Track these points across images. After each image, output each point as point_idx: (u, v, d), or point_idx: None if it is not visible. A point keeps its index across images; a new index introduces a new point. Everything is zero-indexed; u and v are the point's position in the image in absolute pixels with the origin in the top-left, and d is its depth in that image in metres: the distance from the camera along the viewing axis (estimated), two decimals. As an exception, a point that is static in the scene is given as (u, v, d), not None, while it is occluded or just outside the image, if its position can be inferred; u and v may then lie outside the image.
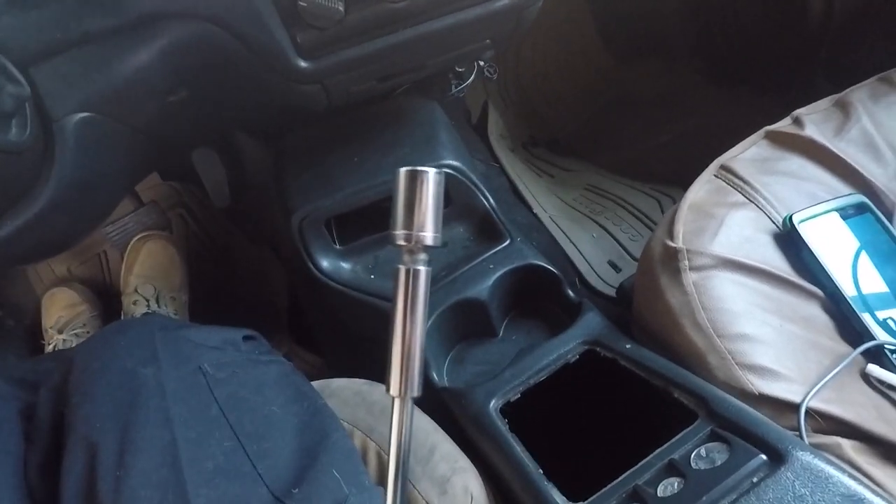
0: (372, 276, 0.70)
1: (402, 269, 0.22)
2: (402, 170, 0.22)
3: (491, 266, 0.66)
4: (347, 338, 0.74)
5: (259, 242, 1.04)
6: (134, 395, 0.38)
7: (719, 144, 0.65)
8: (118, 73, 0.48)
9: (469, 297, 0.63)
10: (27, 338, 1.05)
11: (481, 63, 0.81)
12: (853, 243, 0.56)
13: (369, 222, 0.70)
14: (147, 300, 0.88)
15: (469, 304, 0.63)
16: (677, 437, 0.39)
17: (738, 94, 1.06)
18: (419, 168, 0.22)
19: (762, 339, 0.47)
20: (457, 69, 0.79)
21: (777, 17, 0.98)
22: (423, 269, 0.22)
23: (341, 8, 0.47)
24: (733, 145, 0.64)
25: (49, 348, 0.96)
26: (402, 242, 0.21)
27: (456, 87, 0.82)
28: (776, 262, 0.53)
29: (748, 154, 0.62)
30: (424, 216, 0.21)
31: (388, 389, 0.22)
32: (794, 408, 0.43)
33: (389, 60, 0.56)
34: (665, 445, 0.39)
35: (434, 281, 0.67)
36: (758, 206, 0.57)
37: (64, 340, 0.95)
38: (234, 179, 0.97)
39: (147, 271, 0.91)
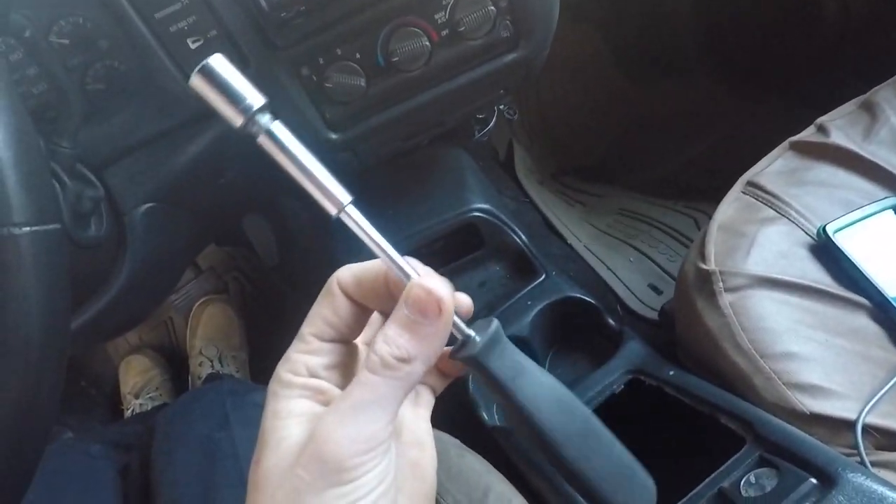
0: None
1: (262, 138, 0.22)
2: (193, 78, 0.21)
3: (529, 302, 0.68)
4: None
5: (309, 297, 1.09)
6: (211, 458, 0.42)
7: (750, 153, 0.65)
8: (175, 165, 0.54)
9: (510, 335, 0.65)
10: (108, 404, 1.13)
11: (501, 107, 0.85)
12: (899, 244, 0.54)
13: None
14: (211, 360, 0.94)
15: (512, 341, 0.65)
16: (726, 464, 0.39)
17: (763, 101, 1.05)
18: (199, 66, 0.21)
19: (809, 356, 0.47)
20: (477, 116, 0.83)
21: (791, 23, 0.97)
22: (274, 124, 0.21)
23: (363, 83, 0.51)
24: (765, 152, 0.64)
25: (128, 413, 1.04)
26: (241, 122, 0.21)
27: (479, 132, 0.86)
28: (815, 275, 0.53)
29: (774, 167, 0.62)
30: (239, 91, 0.21)
31: (333, 216, 0.23)
32: (849, 425, 0.42)
33: (411, 122, 0.60)
34: (714, 474, 0.39)
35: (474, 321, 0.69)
36: (790, 220, 0.57)
37: (140, 404, 1.02)
38: (281, 240, 1.03)
39: (209, 333, 0.98)
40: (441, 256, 0.76)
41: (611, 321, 0.65)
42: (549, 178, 1.13)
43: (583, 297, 0.66)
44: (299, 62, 0.49)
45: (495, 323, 0.24)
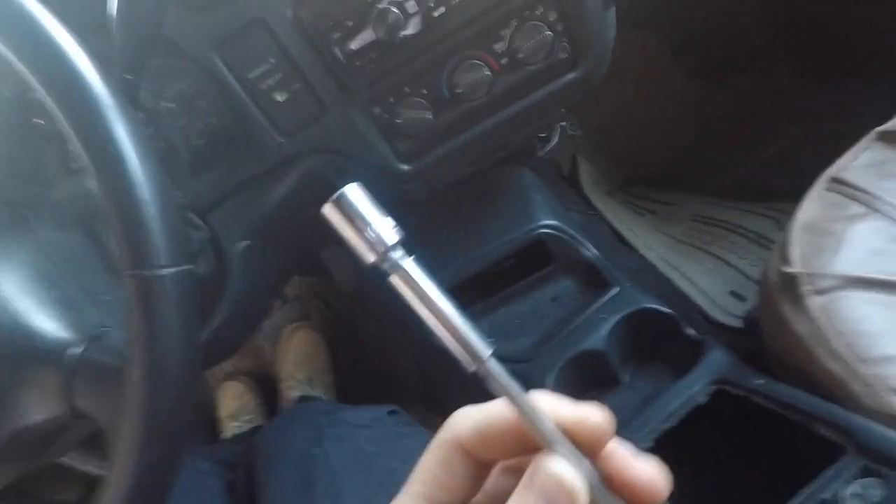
0: (491, 339, 0.74)
1: (395, 277, 0.20)
2: (326, 207, 0.20)
3: (603, 315, 0.67)
4: (472, 400, 0.78)
5: (385, 320, 1.14)
6: (309, 472, 0.46)
7: (833, 147, 0.62)
8: (267, 204, 0.60)
9: (586, 349, 0.65)
10: (207, 427, 1.23)
11: (562, 124, 0.86)
12: None
13: (479, 291, 0.76)
14: (301, 384, 1.00)
15: (587, 355, 0.65)
16: (826, 474, 0.38)
17: (844, 91, 0.99)
18: (334, 196, 0.20)
19: (913, 359, 0.44)
20: (539, 135, 0.85)
21: (871, 9, 0.92)
22: (406, 262, 0.20)
23: (430, 116, 0.55)
24: (849, 145, 0.61)
25: (226, 435, 1.12)
26: (374, 259, 0.20)
27: (542, 150, 0.88)
28: (917, 272, 0.49)
29: (861, 160, 0.59)
30: (371, 225, 0.20)
31: (466, 369, 0.20)
32: (967, 432, 0.39)
33: (477, 147, 0.62)
34: (813, 485, 0.37)
35: (549, 336, 0.70)
36: (883, 214, 0.54)
37: (237, 427, 1.10)
38: (358, 268, 1.09)
39: (299, 358, 1.05)
40: (511, 275, 0.77)
41: (690, 331, 0.63)
42: (617, 190, 1.11)
43: (659, 307, 0.65)
44: (372, 103, 0.53)
45: None
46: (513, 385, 0.20)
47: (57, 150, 0.55)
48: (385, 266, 0.20)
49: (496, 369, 0.20)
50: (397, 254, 0.20)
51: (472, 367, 0.21)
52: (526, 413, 0.19)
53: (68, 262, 0.36)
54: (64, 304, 0.33)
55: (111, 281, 0.39)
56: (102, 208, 0.25)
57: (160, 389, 0.25)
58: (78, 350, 0.31)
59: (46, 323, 0.32)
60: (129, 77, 0.38)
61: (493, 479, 0.21)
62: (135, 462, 0.25)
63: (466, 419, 0.21)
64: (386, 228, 0.20)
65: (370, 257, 0.20)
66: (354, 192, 0.20)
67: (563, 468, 0.18)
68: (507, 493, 0.19)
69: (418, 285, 0.20)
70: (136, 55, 0.37)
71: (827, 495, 0.36)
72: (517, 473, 0.20)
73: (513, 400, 0.20)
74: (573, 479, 0.18)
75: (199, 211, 0.57)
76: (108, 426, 0.29)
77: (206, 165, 0.57)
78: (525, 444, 0.20)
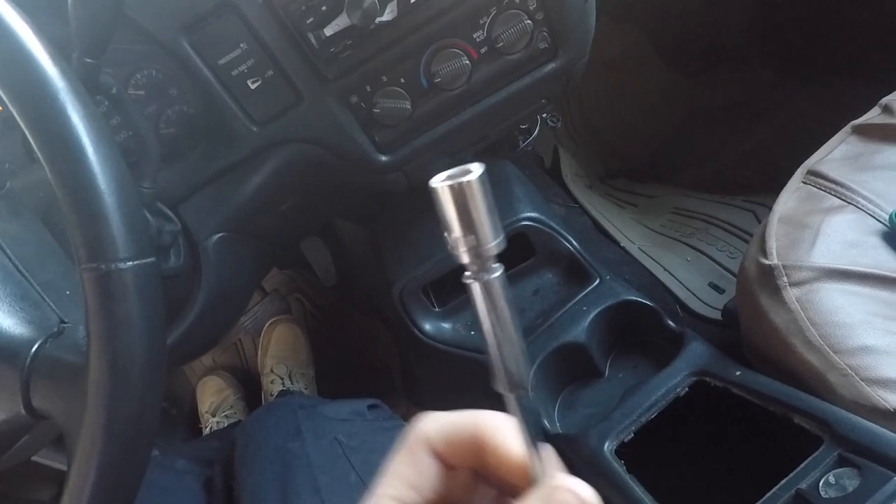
0: (472, 333, 0.74)
1: (476, 283, 0.19)
2: (439, 185, 0.18)
3: (584, 308, 0.67)
4: (456, 394, 0.77)
5: (367, 313, 1.13)
6: (286, 467, 0.45)
7: (810, 141, 0.63)
8: (241, 196, 0.58)
9: (567, 342, 0.65)
10: (187, 423, 1.21)
11: (543, 115, 0.85)
12: None
13: (460, 285, 0.75)
14: (282, 378, 0.99)
15: (568, 348, 0.65)
16: (802, 465, 0.38)
17: (821, 85, 1.00)
18: (458, 178, 0.18)
19: (887, 349, 0.44)
20: (521, 127, 0.84)
21: (849, 3, 0.93)
22: (497, 275, 0.19)
23: (408, 106, 0.54)
24: (826, 139, 0.62)
25: (206, 430, 1.10)
26: (468, 260, 0.18)
27: (523, 142, 0.87)
28: (891, 264, 0.50)
29: (837, 153, 0.60)
30: (481, 224, 0.18)
31: (496, 387, 0.20)
32: (939, 421, 0.40)
33: (456, 139, 0.62)
34: (790, 475, 0.38)
35: (531, 330, 0.70)
36: (857, 207, 0.54)
37: (217, 422, 1.08)
38: (338, 261, 1.07)
39: (279, 353, 1.03)
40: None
41: (671, 323, 0.64)
42: (598, 182, 1.12)
43: (639, 299, 0.65)
44: (348, 91, 0.52)
45: None
46: (530, 427, 0.20)
47: (21, 138, 0.53)
48: (472, 268, 0.19)
49: (525, 404, 0.20)
50: (492, 263, 0.19)
51: (504, 391, 0.20)
52: (531, 452, 0.20)
53: (26, 254, 0.35)
54: (21, 299, 0.31)
55: (72, 275, 0.37)
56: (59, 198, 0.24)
57: (121, 388, 0.24)
58: (35, 347, 0.29)
59: (2, 319, 0.30)
60: (89, 61, 0.36)
61: (462, 480, 0.22)
62: (95, 464, 0.24)
63: (434, 422, 0.21)
64: (494, 233, 0.18)
65: (465, 257, 0.18)
66: (476, 179, 0.18)
67: (582, 488, 0.19)
68: (476, 493, 0.21)
69: (496, 301, 0.19)
70: (96, 38, 0.35)
71: (804, 485, 0.36)
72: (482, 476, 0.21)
73: (526, 438, 0.20)
74: (591, 498, 0.19)
75: (170, 202, 0.55)
76: (67, 427, 0.27)
77: (176, 155, 0.55)
78: (483, 460, 0.20)
